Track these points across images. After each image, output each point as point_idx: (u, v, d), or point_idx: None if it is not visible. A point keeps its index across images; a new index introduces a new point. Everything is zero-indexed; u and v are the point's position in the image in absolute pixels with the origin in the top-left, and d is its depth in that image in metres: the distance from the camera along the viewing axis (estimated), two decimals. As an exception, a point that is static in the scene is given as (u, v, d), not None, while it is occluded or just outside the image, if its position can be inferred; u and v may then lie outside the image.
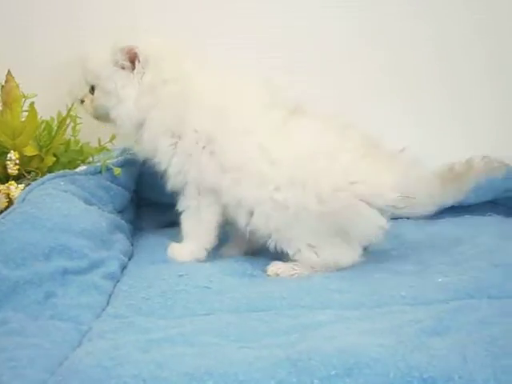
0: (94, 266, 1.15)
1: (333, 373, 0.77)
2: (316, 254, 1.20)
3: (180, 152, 1.24)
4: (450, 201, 1.30)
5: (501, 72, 1.64)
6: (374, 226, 1.19)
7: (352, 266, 1.21)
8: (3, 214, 1.13)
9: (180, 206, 1.28)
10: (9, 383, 0.79)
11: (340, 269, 1.20)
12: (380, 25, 1.58)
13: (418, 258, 1.25)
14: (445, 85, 1.63)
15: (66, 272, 1.10)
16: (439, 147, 1.46)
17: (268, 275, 1.20)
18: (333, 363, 0.78)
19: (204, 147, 1.23)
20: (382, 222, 1.19)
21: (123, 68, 1.27)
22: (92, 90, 1.31)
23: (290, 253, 1.21)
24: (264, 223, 1.20)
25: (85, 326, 0.99)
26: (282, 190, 1.18)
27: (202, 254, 1.26)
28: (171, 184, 1.27)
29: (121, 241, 1.31)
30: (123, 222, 1.39)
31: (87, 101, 1.33)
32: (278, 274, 1.19)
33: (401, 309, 1.00)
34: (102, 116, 1.32)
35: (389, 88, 1.62)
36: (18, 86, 1.31)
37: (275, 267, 1.20)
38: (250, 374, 0.78)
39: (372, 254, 1.27)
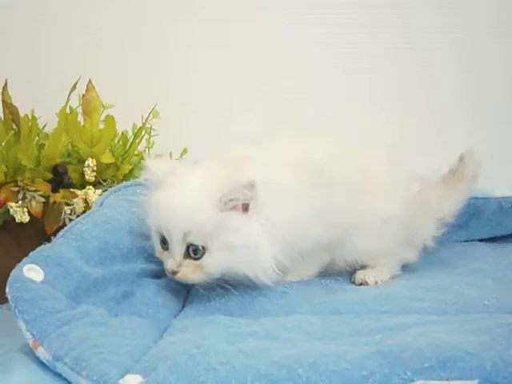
0: (169, 270, 1.16)
1: (426, 365, 0.75)
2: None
3: None
4: (461, 200, 1.32)
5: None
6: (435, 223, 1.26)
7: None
8: (82, 216, 1.14)
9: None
10: (97, 366, 0.79)
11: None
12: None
13: (495, 273, 1.21)
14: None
15: (142, 273, 1.11)
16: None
17: (354, 283, 1.18)
18: (426, 356, 0.76)
19: None
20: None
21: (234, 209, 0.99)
22: (195, 252, 1.01)
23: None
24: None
25: (164, 323, 1.00)
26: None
27: None
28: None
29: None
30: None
31: (186, 270, 1.02)
32: (367, 282, 1.17)
33: (486, 316, 0.97)
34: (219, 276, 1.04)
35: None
36: (98, 95, 1.34)
37: (361, 275, 1.19)
38: (340, 365, 0.77)
39: (448, 269, 1.25)
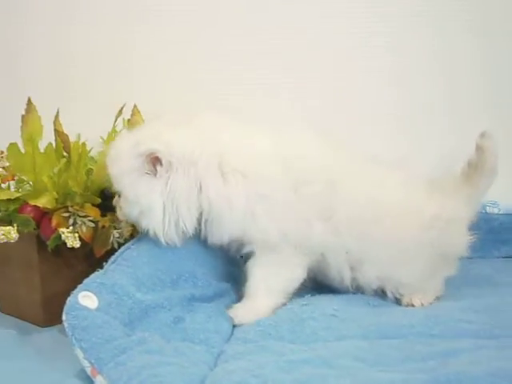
0: (217, 294, 1.18)
1: (485, 395, 0.76)
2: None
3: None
4: (484, 191, 1.29)
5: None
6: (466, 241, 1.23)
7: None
8: (132, 241, 1.16)
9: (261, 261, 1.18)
10: (158, 396, 0.81)
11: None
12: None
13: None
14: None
15: (192, 298, 1.13)
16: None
17: (401, 305, 1.19)
18: (484, 386, 0.77)
19: None
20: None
21: (147, 173, 1.12)
22: (119, 194, 1.18)
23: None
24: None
25: (216, 349, 1.01)
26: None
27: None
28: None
29: (238, 275, 1.32)
30: (238, 257, 1.40)
31: (118, 207, 1.20)
32: (413, 304, 1.18)
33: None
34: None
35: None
36: (143, 119, 1.36)
37: (407, 297, 1.19)
38: (399, 395, 0.78)
39: (492, 287, 1.26)
